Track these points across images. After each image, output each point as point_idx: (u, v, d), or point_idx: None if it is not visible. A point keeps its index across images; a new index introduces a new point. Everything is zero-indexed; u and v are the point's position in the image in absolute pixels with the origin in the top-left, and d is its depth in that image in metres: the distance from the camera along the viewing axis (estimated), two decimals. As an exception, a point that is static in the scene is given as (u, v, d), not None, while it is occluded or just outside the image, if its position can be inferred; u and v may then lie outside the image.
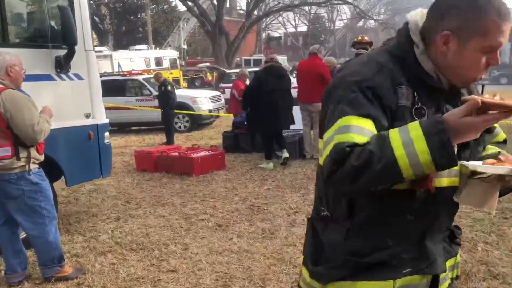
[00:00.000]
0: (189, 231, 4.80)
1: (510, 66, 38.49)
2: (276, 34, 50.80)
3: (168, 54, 28.17)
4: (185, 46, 37.17)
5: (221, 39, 25.78)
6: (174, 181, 7.08)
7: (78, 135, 4.72)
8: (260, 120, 7.71)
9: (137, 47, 27.30)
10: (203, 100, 13.71)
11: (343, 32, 59.02)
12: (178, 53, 30.34)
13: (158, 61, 26.43)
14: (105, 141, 4.97)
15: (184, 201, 5.94)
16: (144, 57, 25.72)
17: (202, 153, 7.79)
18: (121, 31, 42.44)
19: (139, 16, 43.57)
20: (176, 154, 7.85)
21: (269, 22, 50.52)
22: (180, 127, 13.34)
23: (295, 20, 57.80)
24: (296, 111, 8.23)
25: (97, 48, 26.08)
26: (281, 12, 40.58)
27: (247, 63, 32.42)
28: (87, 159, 4.82)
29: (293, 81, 8.52)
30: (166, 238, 4.64)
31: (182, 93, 13.51)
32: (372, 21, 60.17)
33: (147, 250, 4.33)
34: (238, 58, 30.64)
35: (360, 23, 59.50)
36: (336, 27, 57.50)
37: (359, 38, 7.79)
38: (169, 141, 11.13)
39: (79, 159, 4.73)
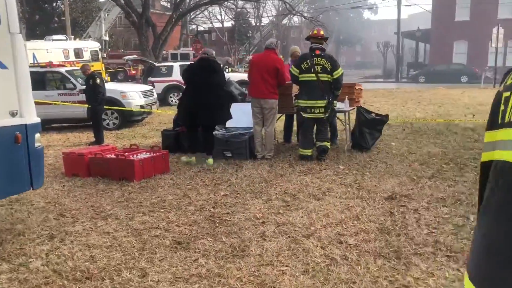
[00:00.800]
0: (143, 252, 4.03)
1: (427, 66, 40.53)
2: (201, 28, 49.70)
3: (89, 45, 26.45)
4: (106, 38, 35.22)
5: (148, 31, 24.48)
6: (112, 188, 6.20)
7: (1, 137, 3.78)
8: (185, 114, 7.59)
9: (55, 37, 25.24)
10: (134, 95, 12.68)
11: (268, 28, 59.35)
12: (99, 44, 28.56)
13: (78, 53, 24.71)
14: (36, 144, 4.07)
15: (129, 213, 5.12)
16: (62, 48, 23.89)
17: (143, 155, 6.95)
18: (34, 20, 39.39)
19: (54, 4, 40.79)
20: (113, 156, 6.94)
21: (193, 16, 49.36)
22: (108, 124, 12.25)
23: (221, 15, 57.17)
24: (247, 107, 7.66)
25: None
26: (207, 6, 39.72)
27: (174, 56, 31.33)
28: (13, 167, 3.89)
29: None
30: (117, 261, 3.84)
31: (111, 87, 12.37)
32: (296, 19, 61.15)
33: (96, 280, 3.52)
34: (164, 52, 29.40)
35: (285, 20, 60.19)
36: (262, 24, 57.64)
37: (315, 31, 7.30)
38: (98, 140, 10.11)
39: (3, 167, 3.80)
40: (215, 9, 53.06)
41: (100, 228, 4.65)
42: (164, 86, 18.55)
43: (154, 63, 20.53)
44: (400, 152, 7.86)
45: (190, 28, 52.16)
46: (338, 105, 7.48)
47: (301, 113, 7.21)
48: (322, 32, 7.24)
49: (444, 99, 18.02)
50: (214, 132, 7.80)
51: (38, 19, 39.50)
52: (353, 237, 4.23)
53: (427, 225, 4.47)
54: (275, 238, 4.26)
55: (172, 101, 18.60)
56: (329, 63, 7.03)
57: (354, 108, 8.13)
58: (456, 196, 5.32)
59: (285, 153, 7.97)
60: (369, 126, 7.88)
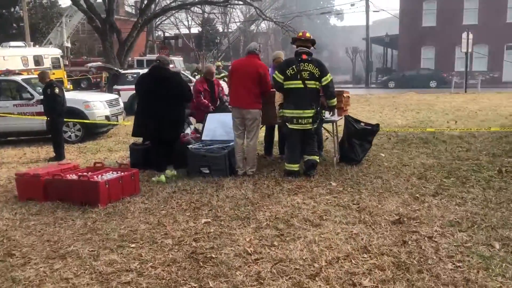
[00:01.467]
0: (111, 307, 3.21)
1: (396, 71, 40.69)
2: (168, 35, 48.64)
3: (50, 52, 25.11)
4: (68, 44, 33.85)
5: (112, 37, 23.38)
6: (73, 215, 5.32)
7: None
8: (135, 125, 7.29)
9: (12, 43, 23.82)
10: (98, 104, 11.70)
11: (236, 35, 58.86)
12: (61, 51, 27.23)
13: (38, 60, 23.37)
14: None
15: (93, 249, 4.27)
16: (21, 55, 22.50)
17: (110, 175, 6.08)
18: (-10, 26, 37.61)
19: (12, 9, 39.01)
20: (74, 177, 6.04)
21: (159, 22, 48.22)
22: (70, 137, 11.25)
23: (188, 21, 56.20)
24: (224, 117, 6.92)
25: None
26: (173, 12, 38.74)
27: (140, 63, 30.23)
28: None
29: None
30: (77, 323, 3.01)
31: (74, 96, 11.39)
32: (263, 26, 60.81)
33: None
34: (130, 58, 28.33)
35: (253, 27, 59.80)
36: (229, 30, 57.11)
37: (300, 33, 6.60)
38: (58, 155, 9.16)
39: None
40: (182, 15, 52.12)
41: (57, 272, 3.78)
42: (131, 95, 17.44)
43: (120, 70, 19.51)
44: (393, 164, 7.24)
45: (156, 35, 50.97)
46: (327, 114, 6.82)
47: (287, 124, 6.49)
48: (308, 34, 6.54)
49: (420, 104, 17.71)
50: (189, 146, 7.00)
51: (-5, 25, 37.74)
52: (367, 276, 3.52)
53: (449, 257, 3.81)
54: (274, 281, 3.50)
55: (139, 110, 17.62)
56: (317, 69, 6.35)
57: (342, 118, 7.49)
58: (470, 218, 4.70)
59: (268, 167, 7.23)
60: (359, 137, 7.24)
